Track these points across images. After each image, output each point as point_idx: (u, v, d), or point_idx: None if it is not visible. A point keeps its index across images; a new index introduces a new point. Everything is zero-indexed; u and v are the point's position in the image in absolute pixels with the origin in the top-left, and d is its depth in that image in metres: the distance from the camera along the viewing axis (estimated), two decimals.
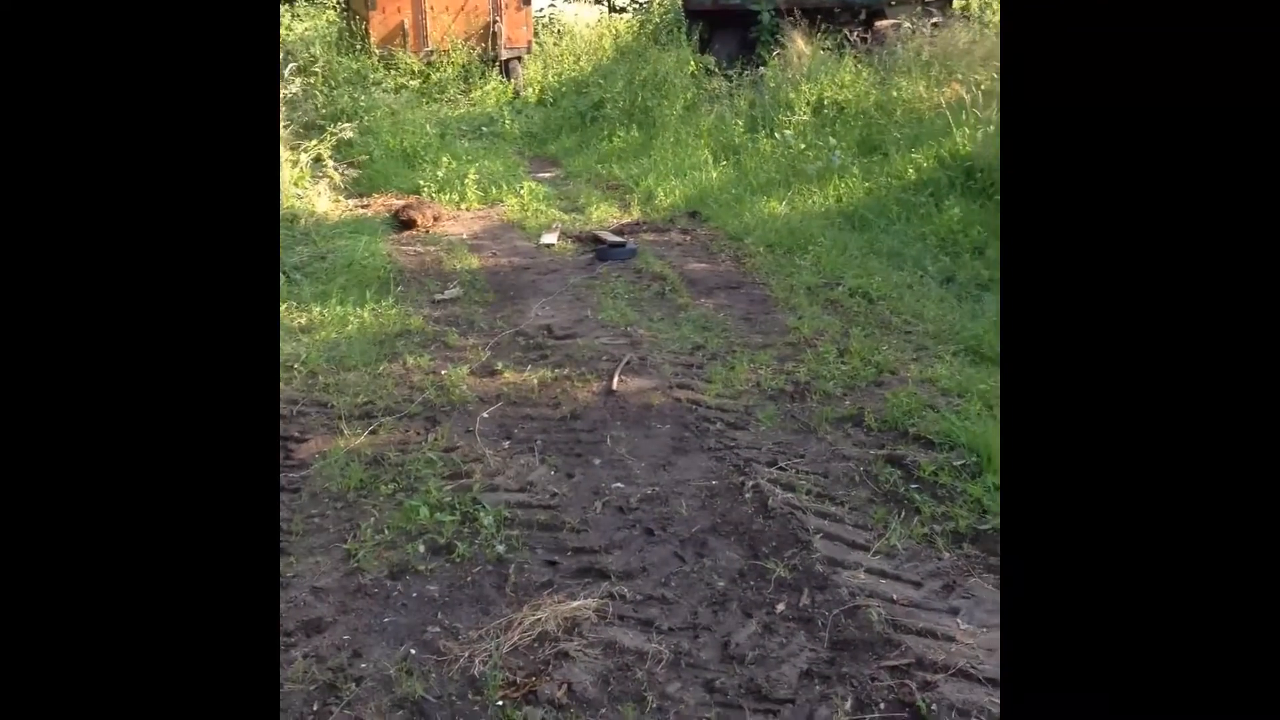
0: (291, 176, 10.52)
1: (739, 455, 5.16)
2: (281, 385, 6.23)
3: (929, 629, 3.75)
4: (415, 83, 17.08)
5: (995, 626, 3.71)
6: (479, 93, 17.44)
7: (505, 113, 15.81)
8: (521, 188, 11.28)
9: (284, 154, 10.53)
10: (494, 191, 11.23)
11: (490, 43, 18.34)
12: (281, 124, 10.72)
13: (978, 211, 8.87)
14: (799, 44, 14.85)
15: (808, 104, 12.75)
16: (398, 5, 17.93)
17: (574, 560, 4.28)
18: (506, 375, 6.32)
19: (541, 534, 4.49)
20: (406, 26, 17.86)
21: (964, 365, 6.24)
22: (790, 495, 4.73)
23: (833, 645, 3.69)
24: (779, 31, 15.59)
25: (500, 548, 4.35)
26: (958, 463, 5.00)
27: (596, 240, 9.29)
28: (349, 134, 12.00)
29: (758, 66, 15.05)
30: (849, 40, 14.89)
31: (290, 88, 11.42)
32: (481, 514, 4.60)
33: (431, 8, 18.01)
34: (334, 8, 19.49)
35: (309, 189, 10.61)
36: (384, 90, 15.81)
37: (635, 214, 10.44)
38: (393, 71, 17.02)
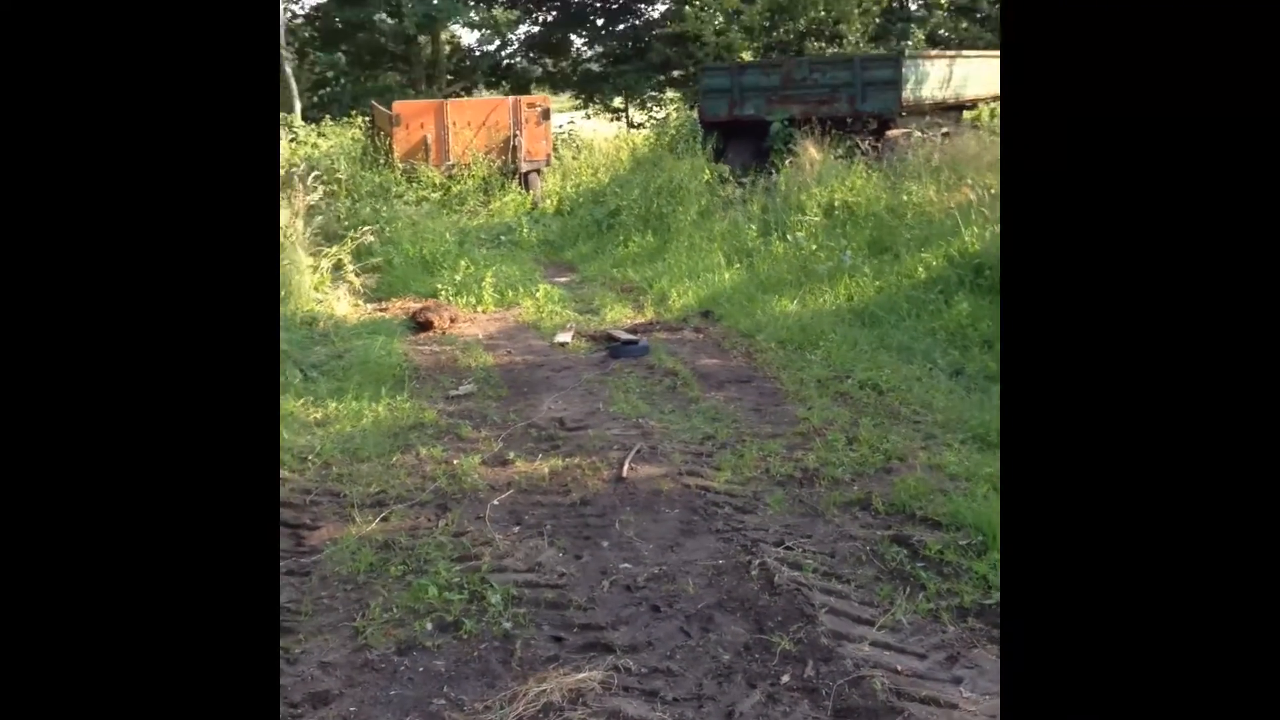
0: (312, 281, 10.73)
1: (746, 536, 5.19)
2: (296, 476, 6.32)
3: (933, 697, 3.75)
4: (436, 195, 17.46)
5: (998, 694, 3.70)
6: (498, 204, 17.76)
7: (523, 222, 16.11)
8: (537, 291, 11.47)
9: (304, 260, 10.77)
10: (510, 295, 11.42)
11: (510, 156, 18.73)
12: (303, 231, 11.00)
13: (987, 307, 8.97)
14: (811, 151, 15.18)
15: (819, 206, 12.98)
16: (421, 121, 18.41)
17: (580, 636, 4.30)
18: (518, 465, 6.39)
19: (548, 611, 4.52)
20: (429, 141, 18.30)
21: (972, 452, 6.27)
22: (797, 573, 4.75)
23: (836, 713, 3.69)
24: (792, 140, 15.96)
25: (507, 624, 4.38)
26: (963, 542, 5.02)
27: (610, 339, 9.42)
28: (369, 239, 12.25)
29: (771, 174, 15.36)
30: (860, 148, 15.22)
31: (312, 196, 11.69)
32: (489, 593, 4.63)
33: (454, 123, 18.47)
34: (360, 126, 20.04)
35: (329, 293, 10.81)
36: (405, 202, 16.20)
37: (649, 315, 10.58)
38: (415, 185, 17.41)
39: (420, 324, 10.25)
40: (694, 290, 11.15)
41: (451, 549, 5.17)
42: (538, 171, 19.23)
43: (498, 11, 28.67)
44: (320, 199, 12.47)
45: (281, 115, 19.64)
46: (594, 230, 15.24)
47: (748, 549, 5.02)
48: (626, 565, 4.94)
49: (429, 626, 4.41)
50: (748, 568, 4.81)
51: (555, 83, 32.85)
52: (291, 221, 10.40)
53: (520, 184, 18.68)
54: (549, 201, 18.05)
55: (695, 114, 19.60)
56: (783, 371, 8.29)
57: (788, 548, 5.02)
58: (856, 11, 24.53)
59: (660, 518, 5.51)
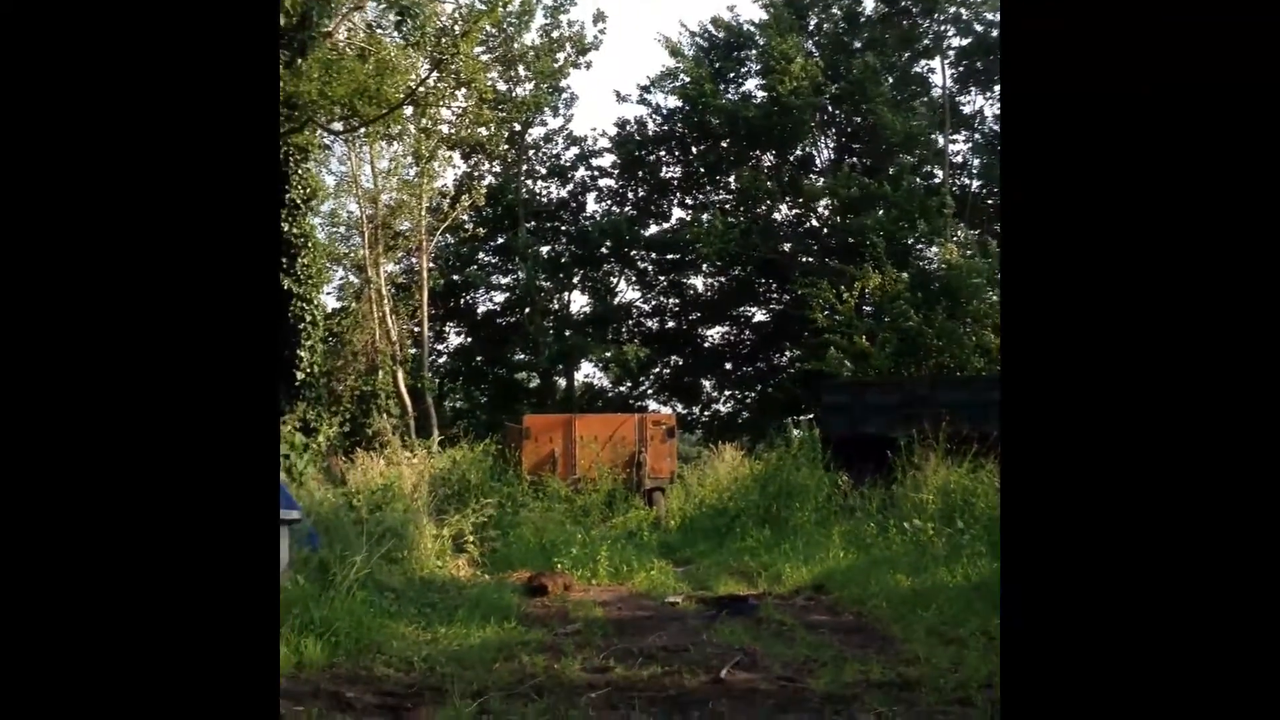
0: (433, 549, 11.06)
1: (840, 711, 5.12)
2: (400, 675, 6.43)
3: None
4: (561, 506, 17.87)
5: None
6: (621, 518, 18.05)
7: (644, 529, 16.34)
8: (652, 568, 11.59)
9: (428, 526, 11.16)
10: (625, 570, 11.56)
11: (634, 471, 19.18)
12: (427, 498, 11.45)
13: None
14: (933, 462, 15.30)
15: (938, 502, 12.99)
16: (550, 435, 19.15)
17: None
18: (618, 670, 6.42)
19: None
20: (557, 455, 18.95)
21: None
22: None
23: None
24: (914, 455, 16.12)
25: None
26: None
27: (720, 601, 9.44)
28: (491, 512, 12.65)
29: (890, 486, 15.45)
30: (984, 467, 15.26)
31: (438, 463, 12.22)
32: None
33: (581, 437, 19.14)
34: (491, 441, 20.87)
35: (449, 561, 11.11)
36: (530, 511, 16.63)
37: (761, 588, 10.59)
38: (542, 498, 17.86)
39: (535, 589, 10.42)
40: (808, 569, 11.16)
41: (544, 714, 5.19)
42: (661, 490, 19.57)
43: (629, 348, 30.12)
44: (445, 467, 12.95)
45: (419, 441, 20.67)
46: (712, 533, 15.39)
47: (839, 713, 4.94)
48: None
49: None
50: None
51: (685, 425, 33.85)
52: (417, 486, 10.86)
53: (644, 500, 19.01)
54: (673, 521, 18.22)
55: (817, 433, 19.98)
56: (894, 624, 8.19)
57: (879, 714, 4.93)
58: (976, 354, 25.05)
59: (754, 703, 5.48)
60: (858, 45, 30.48)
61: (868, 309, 25.93)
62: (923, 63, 31.45)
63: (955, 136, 31.39)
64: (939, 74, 31.46)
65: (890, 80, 30.12)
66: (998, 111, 31.53)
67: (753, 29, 30.87)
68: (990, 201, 30.98)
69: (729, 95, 30.98)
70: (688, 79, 30.44)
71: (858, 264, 25.64)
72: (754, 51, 30.71)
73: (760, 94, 30.49)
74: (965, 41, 30.77)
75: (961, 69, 31.57)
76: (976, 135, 32.38)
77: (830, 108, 30.56)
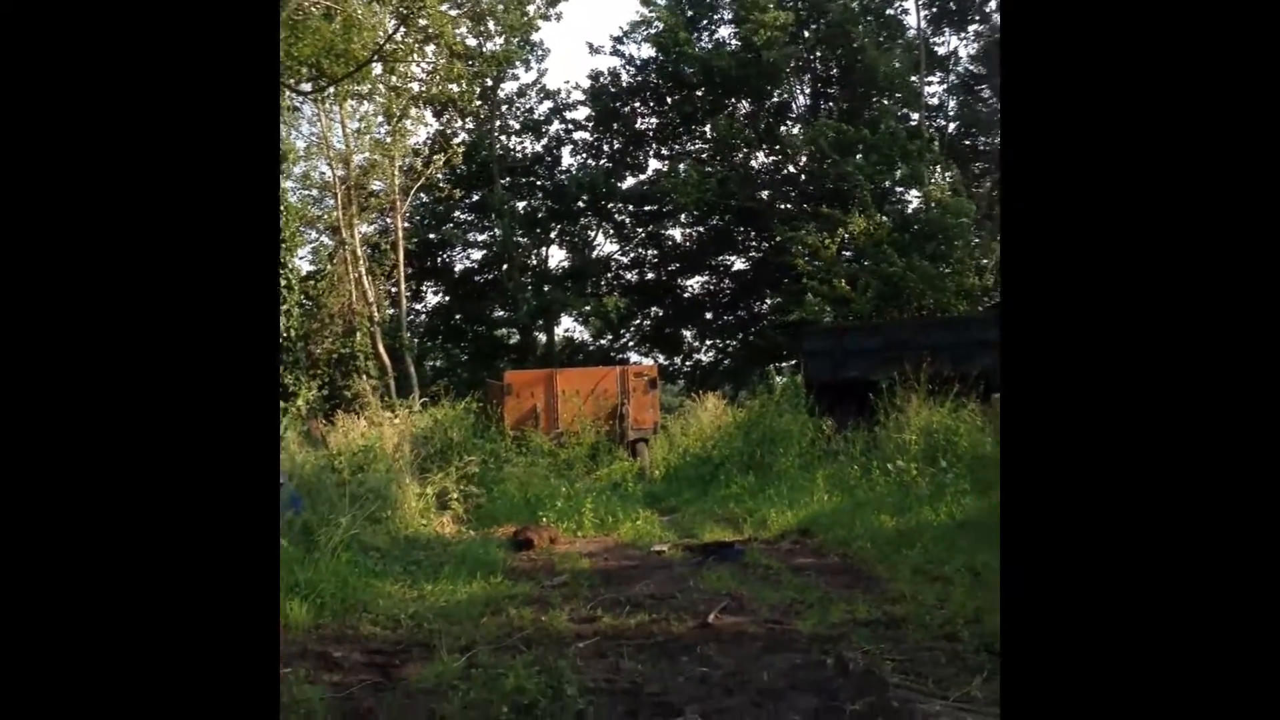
0: (416, 507, 11.03)
1: (828, 650, 5.13)
2: (387, 633, 6.42)
3: None
4: (545, 460, 17.86)
5: None
6: (605, 471, 18.06)
7: (629, 480, 16.35)
8: (637, 518, 11.60)
9: (411, 486, 11.14)
10: (610, 520, 11.58)
11: (618, 423, 19.19)
12: (409, 456, 11.42)
13: None
14: (915, 404, 15.32)
15: (921, 444, 13.03)
16: (531, 390, 19.12)
17: (652, 712, 4.27)
18: (605, 619, 6.42)
19: (623, 697, 4.51)
20: (539, 410, 18.92)
21: None
22: (873, 666, 4.68)
23: None
24: (896, 398, 16.14)
25: (581, 705, 4.37)
26: None
27: (706, 548, 9.46)
28: (474, 469, 12.62)
29: (873, 429, 15.48)
30: (965, 407, 15.30)
31: (420, 420, 12.17)
32: (566, 686, 4.64)
33: (563, 392, 19.11)
34: (472, 399, 20.82)
35: (433, 518, 11.08)
36: (514, 467, 16.61)
37: (747, 534, 10.61)
38: (525, 452, 17.85)
39: (520, 543, 10.41)
40: (793, 513, 11.18)
41: (533, 665, 5.19)
42: (645, 440, 19.58)
43: (608, 300, 30.05)
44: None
45: (400, 401, 20.62)
46: (697, 481, 15.42)
47: (826, 653, 4.96)
48: (704, 670, 4.91)
49: (505, 709, 4.41)
50: (823, 663, 4.76)
51: (667, 376, 33.86)
52: (399, 446, 10.82)
53: (628, 452, 19.02)
54: (657, 472, 18.25)
55: (799, 379, 19.99)
56: (879, 564, 8.22)
57: (866, 652, 4.95)
58: (958, 298, 25.03)
59: (743, 645, 5.48)
60: None
61: (847, 254, 25.83)
62: (896, 4, 31.22)
63: (930, 79, 31.22)
64: (912, 15, 31.28)
65: (868, 21, 29.93)
66: (972, 52, 31.48)
67: None
68: (967, 143, 30.92)
69: (703, 44, 30.74)
70: (661, 26, 30.19)
71: (842, 208, 25.54)
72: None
73: (735, 42, 30.29)
74: None
75: (935, 9, 31.36)
76: (951, 76, 32.25)
77: (806, 53, 30.35)
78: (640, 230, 34.32)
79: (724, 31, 31.55)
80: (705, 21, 31.51)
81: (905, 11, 31.61)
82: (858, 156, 27.04)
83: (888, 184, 27.90)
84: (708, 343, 35.40)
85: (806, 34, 29.34)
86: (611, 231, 34.60)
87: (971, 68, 31.98)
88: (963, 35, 31.67)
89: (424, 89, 25.94)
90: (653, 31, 30.67)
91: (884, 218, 25.55)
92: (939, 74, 32.14)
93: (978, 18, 31.05)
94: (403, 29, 19.53)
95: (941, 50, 32.12)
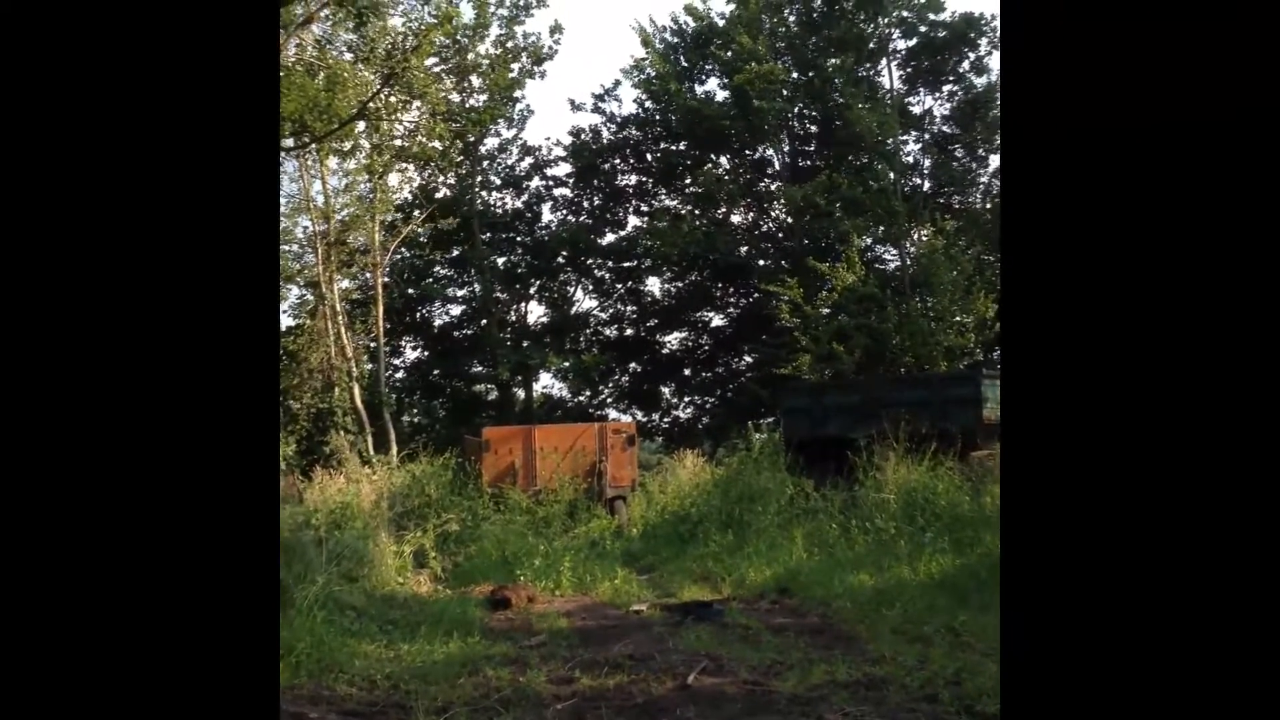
0: (393, 565, 10.95)
1: (808, 712, 5.10)
2: (363, 694, 6.35)
3: None
4: (523, 518, 17.73)
5: None
6: (583, 528, 17.95)
7: (608, 538, 16.27)
8: (616, 576, 11.54)
9: (388, 543, 11.06)
10: (588, 579, 11.52)
11: (596, 480, 19.10)
12: (387, 513, 11.34)
13: None
14: (893, 464, 15.33)
15: (900, 503, 13.03)
16: (509, 446, 19.03)
17: None
18: (584, 681, 6.37)
19: None
20: (517, 466, 18.82)
21: None
22: None
23: None
24: (875, 455, 16.14)
25: None
26: None
27: (685, 607, 9.41)
28: (454, 527, 12.54)
29: (852, 487, 15.47)
30: (944, 463, 15.30)
31: (396, 478, 12.12)
32: None
33: (541, 448, 19.03)
34: (450, 456, 20.67)
35: (410, 577, 11.01)
36: (492, 524, 16.49)
37: (725, 592, 10.56)
38: (503, 510, 17.70)
39: (498, 601, 10.33)
40: (771, 571, 11.16)
41: None
42: (623, 498, 19.46)
43: (587, 356, 30.04)
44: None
45: (378, 456, 20.51)
46: (675, 540, 15.35)
47: (806, 715, 4.94)
48: None
49: None
50: None
51: (645, 432, 33.76)
52: (376, 503, 10.76)
53: (606, 509, 18.90)
54: (635, 530, 18.12)
55: (778, 435, 19.98)
56: (858, 624, 8.20)
57: (846, 714, 4.92)
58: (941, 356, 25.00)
59: (722, 707, 5.46)
60: (814, 41, 30.60)
61: (825, 311, 25.85)
62: (867, 65, 31.53)
63: (904, 137, 31.49)
64: (886, 76, 31.56)
65: (848, 80, 30.25)
66: (946, 112, 31.84)
67: (720, 22, 31.02)
68: (941, 200, 31.12)
69: (691, 94, 31.04)
70: (654, 73, 30.50)
71: (829, 263, 25.61)
72: (718, 46, 30.72)
73: (722, 94, 30.64)
74: (911, 43, 30.95)
75: (910, 70, 31.71)
76: (926, 135, 32.54)
77: (791, 110, 30.64)
78: (619, 285, 34.40)
79: (712, 83, 31.92)
80: (696, 70, 31.84)
81: (880, 73, 31.99)
82: (837, 215, 27.22)
83: (869, 240, 28.10)
84: (686, 399, 35.36)
85: (785, 92, 29.61)
86: (591, 287, 34.67)
87: (944, 128, 32.33)
88: (937, 95, 32.03)
89: (406, 145, 26.04)
90: (644, 77, 30.97)
91: (869, 275, 25.70)
92: (914, 133, 32.45)
93: (951, 78, 31.41)
94: (387, 89, 19.65)
95: (916, 109, 32.48)
